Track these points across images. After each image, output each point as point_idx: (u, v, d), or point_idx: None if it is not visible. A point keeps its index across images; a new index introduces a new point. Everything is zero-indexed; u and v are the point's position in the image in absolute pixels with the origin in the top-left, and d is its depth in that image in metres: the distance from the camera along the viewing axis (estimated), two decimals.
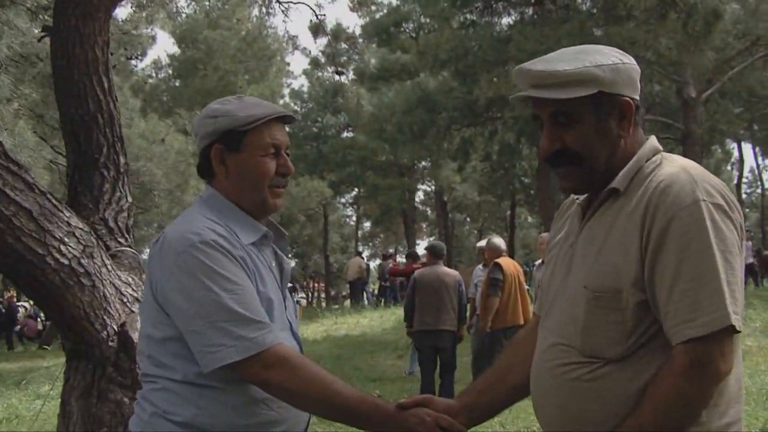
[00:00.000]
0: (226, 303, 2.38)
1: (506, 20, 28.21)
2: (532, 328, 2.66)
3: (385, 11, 35.67)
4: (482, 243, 11.86)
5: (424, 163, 47.25)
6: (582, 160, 2.31)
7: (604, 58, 2.29)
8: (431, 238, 72.18)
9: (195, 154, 29.77)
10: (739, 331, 2.10)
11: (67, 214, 4.23)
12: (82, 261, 4.15)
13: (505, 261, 10.44)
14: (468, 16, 27.20)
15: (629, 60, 2.35)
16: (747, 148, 55.76)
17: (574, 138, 2.30)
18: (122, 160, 4.99)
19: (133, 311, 4.38)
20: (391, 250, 48.19)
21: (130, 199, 5.01)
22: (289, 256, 2.94)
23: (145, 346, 2.57)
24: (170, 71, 42.59)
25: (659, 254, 2.11)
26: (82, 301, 4.15)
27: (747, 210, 61.52)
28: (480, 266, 11.96)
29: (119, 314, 4.33)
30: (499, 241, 11.01)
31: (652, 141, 2.39)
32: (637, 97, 2.36)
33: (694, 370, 2.07)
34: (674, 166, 2.25)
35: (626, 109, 2.30)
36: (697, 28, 16.62)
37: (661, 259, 2.11)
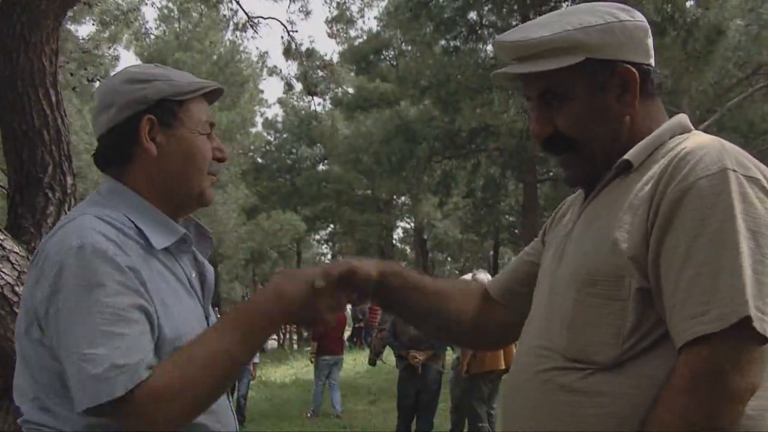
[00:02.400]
0: (86, 330, 1.87)
1: (491, 47, 28.41)
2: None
3: (364, 38, 35.77)
4: (467, 277, 11.69)
5: (403, 198, 47.31)
6: (577, 145, 2.00)
7: (593, 18, 1.97)
8: None
9: None
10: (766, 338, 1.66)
11: (1, 237, 4.06)
12: (17, 289, 3.96)
13: None
14: (451, 42, 27.36)
15: (631, 17, 2.01)
16: None
17: (564, 120, 1.99)
18: (69, 180, 4.82)
19: None
20: None
21: None
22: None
23: (29, 387, 2.06)
24: None
25: (668, 230, 1.75)
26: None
27: None
28: None
29: None
30: (486, 277, 10.51)
31: (681, 118, 2.04)
32: (650, 62, 2.02)
33: (699, 384, 1.66)
34: (706, 137, 1.91)
35: (628, 78, 1.96)
36: (698, 47, 16.63)
37: (670, 237, 1.75)
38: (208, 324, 2.24)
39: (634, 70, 1.96)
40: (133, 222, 2.09)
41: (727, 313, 1.64)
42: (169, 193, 2.20)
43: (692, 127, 2.03)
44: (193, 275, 2.27)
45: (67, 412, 1.97)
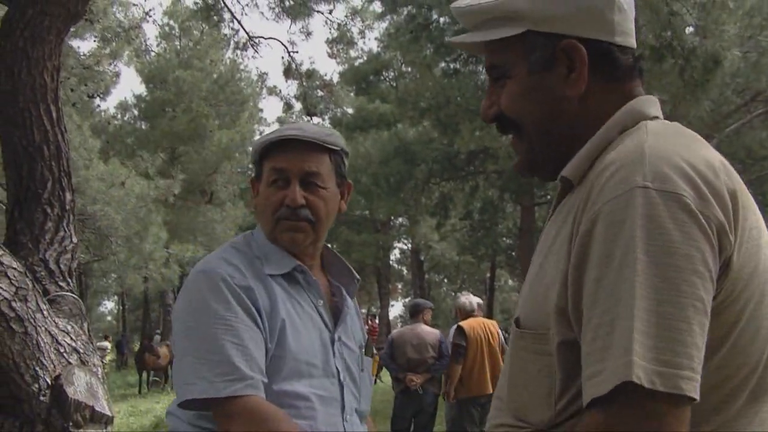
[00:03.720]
0: (205, 339, 2.24)
1: None
2: None
3: (364, 59, 35.82)
4: (459, 298, 11.67)
5: (400, 219, 47.24)
6: (520, 129, 1.77)
7: None
8: (406, 299, 72.13)
9: (156, 199, 29.86)
10: (681, 395, 1.32)
11: None
12: (14, 304, 3.94)
13: (470, 323, 10.01)
14: (451, 64, 27.38)
15: None
16: None
17: (505, 99, 1.76)
18: (68, 196, 4.81)
19: (70, 362, 4.18)
20: (363, 310, 47.93)
21: (75, 240, 4.82)
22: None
23: None
24: (136, 112, 42.49)
25: (581, 272, 1.46)
26: (12, 349, 3.93)
27: None
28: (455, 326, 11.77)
29: (54, 366, 4.12)
30: (468, 300, 10.51)
31: (634, 105, 1.70)
32: (612, 39, 1.70)
33: None
34: (635, 138, 1.58)
35: (573, 56, 1.67)
36: (696, 75, 16.65)
37: (583, 280, 1.46)
38: (334, 349, 2.49)
39: (580, 46, 1.67)
40: (262, 253, 2.48)
41: (610, 376, 1.35)
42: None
43: (648, 114, 1.71)
44: (320, 303, 2.53)
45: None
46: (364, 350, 2.74)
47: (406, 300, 72.49)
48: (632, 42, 1.75)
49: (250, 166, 2.73)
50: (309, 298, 2.51)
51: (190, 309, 2.31)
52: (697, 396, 1.33)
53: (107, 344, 36.39)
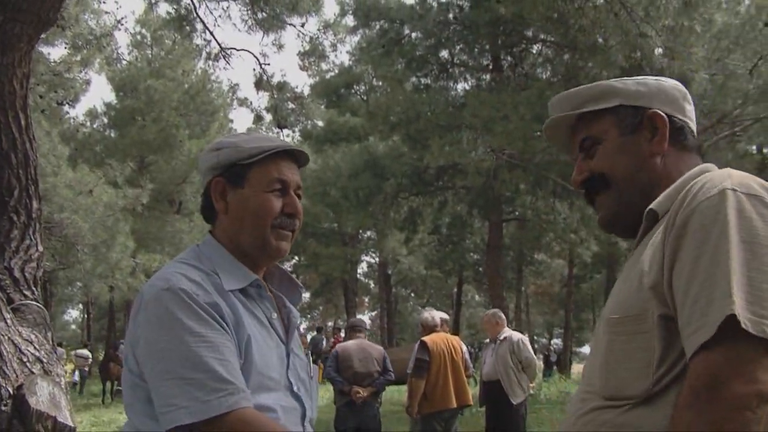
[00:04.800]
0: (186, 358, 2.20)
1: (462, 85, 28.53)
2: None
3: (336, 72, 35.83)
4: (423, 314, 11.73)
5: (369, 232, 47.24)
6: (609, 182, 2.15)
7: (630, 78, 2.21)
8: (373, 313, 72.10)
9: (124, 208, 29.66)
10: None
11: None
12: None
13: (433, 338, 10.03)
14: (422, 79, 27.46)
15: (671, 82, 2.22)
16: None
17: (598, 159, 2.17)
18: (35, 205, 4.77)
19: (33, 372, 4.13)
20: (330, 323, 47.81)
21: (41, 249, 4.77)
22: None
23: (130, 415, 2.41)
24: (106, 120, 42.22)
25: (677, 256, 1.80)
26: None
27: None
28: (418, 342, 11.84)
29: (16, 375, 4.07)
30: (431, 315, 10.56)
31: (710, 165, 2.13)
32: (682, 117, 2.19)
33: (699, 396, 1.64)
34: (718, 171, 2.01)
35: (656, 122, 2.12)
36: None
37: (678, 262, 1.79)
38: (289, 361, 2.52)
39: (663, 114, 2.13)
40: (212, 269, 2.45)
41: (715, 317, 1.64)
42: (240, 244, 2.54)
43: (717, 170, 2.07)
44: (274, 316, 2.56)
45: (147, 428, 2.29)
46: (309, 358, 2.78)
47: (373, 313, 72.48)
48: (695, 132, 2.22)
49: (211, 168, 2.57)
50: (263, 311, 2.52)
51: (161, 328, 2.25)
52: None
53: (88, 353, 36.02)
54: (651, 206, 2.00)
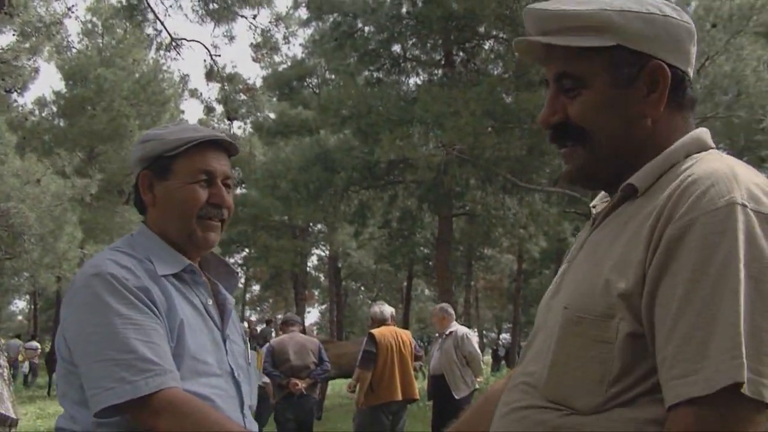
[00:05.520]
0: (114, 340, 2.19)
1: (414, 80, 28.61)
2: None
3: (288, 64, 35.73)
4: (372, 307, 11.83)
5: (319, 225, 47.20)
6: (585, 135, 1.80)
7: (635, 5, 1.77)
8: (322, 306, 72.07)
9: (72, 198, 29.38)
10: (764, 403, 1.44)
11: None
12: None
13: (381, 331, 10.12)
14: (375, 73, 27.50)
15: (680, 16, 1.80)
16: None
17: (578, 108, 1.80)
18: None
19: None
20: (280, 316, 47.74)
21: None
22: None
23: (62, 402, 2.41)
24: (55, 108, 41.74)
25: (666, 272, 1.53)
26: None
27: None
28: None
29: None
30: (380, 308, 10.66)
31: (699, 134, 1.81)
32: (686, 69, 1.81)
33: None
34: (719, 161, 1.67)
35: (658, 77, 1.75)
36: None
37: (667, 280, 1.53)
38: (225, 346, 2.53)
39: (667, 69, 1.76)
40: (145, 255, 2.45)
41: (716, 376, 1.43)
42: (168, 234, 2.54)
43: (711, 144, 1.82)
44: (210, 302, 2.56)
45: (83, 417, 2.27)
46: (247, 344, 2.79)
47: (323, 307, 72.47)
48: (692, 75, 1.86)
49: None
50: (198, 297, 2.52)
51: (90, 312, 2.25)
52: None
53: (37, 345, 35.69)
54: (630, 181, 1.75)
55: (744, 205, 1.52)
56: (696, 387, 1.44)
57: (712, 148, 1.80)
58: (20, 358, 32.58)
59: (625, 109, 1.77)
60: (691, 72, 1.84)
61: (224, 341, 2.53)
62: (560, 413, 1.67)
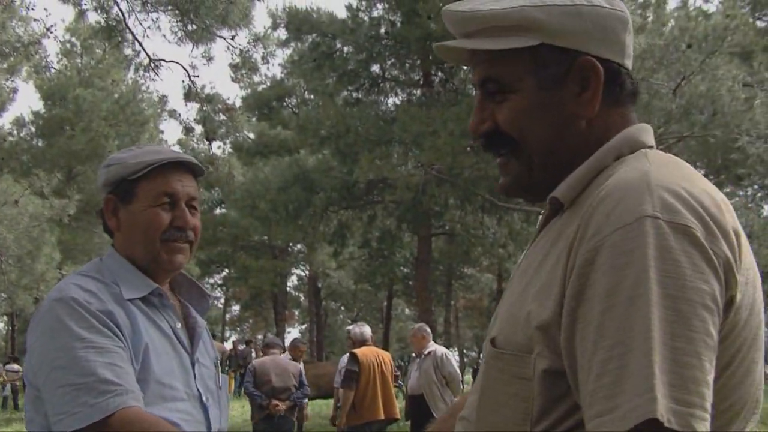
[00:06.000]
0: (74, 365, 2.17)
1: (392, 100, 28.69)
2: None
3: (267, 84, 35.77)
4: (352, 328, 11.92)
5: (298, 246, 47.10)
6: (518, 147, 1.66)
7: (562, 2, 1.61)
8: (303, 326, 71.82)
9: (50, 219, 29.24)
10: None
11: None
12: None
13: (363, 351, 10.23)
14: (354, 93, 27.57)
15: (610, 4, 1.64)
16: None
17: (505, 114, 1.65)
18: None
19: None
20: (259, 336, 47.57)
21: None
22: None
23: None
24: (33, 129, 41.59)
25: (581, 301, 1.39)
26: None
27: None
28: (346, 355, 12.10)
29: None
30: (360, 329, 10.84)
31: (634, 132, 1.65)
32: (622, 61, 1.66)
33: None
34: (637, 166, 1.51)
35: (589, 74, 1.61)
36: None
37: (582, 310, 1.38)
38: (194, 370, 2.50)
39: (598, 64, 1.61)
40: (112, 280, 2.43)
41: (631, 413, 1.27)
42: (135, 258, 2.52)
43: (645, 142, 1.65)
44: (178, 326, 2.53)
45: None
46: (219, 367, 2.76)
47: (303, 327, 72.24)
48: (630, 66, 1.71)
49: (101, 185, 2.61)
50: (167, 320, 2.50)
51: (52, 337, 2.23)
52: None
53: (18, 367, 35.46)
54: (554, 194, 1.62)
55: (655, 217, 1.36)
56: (613, 425, 1.28)
57: (648, 145, 1.65)
58: (0, 380, 32.38)
59: (556, 111, 1.62)
60: (628, 63, 1.69)
61: (193, 365, 2.51)
62: None
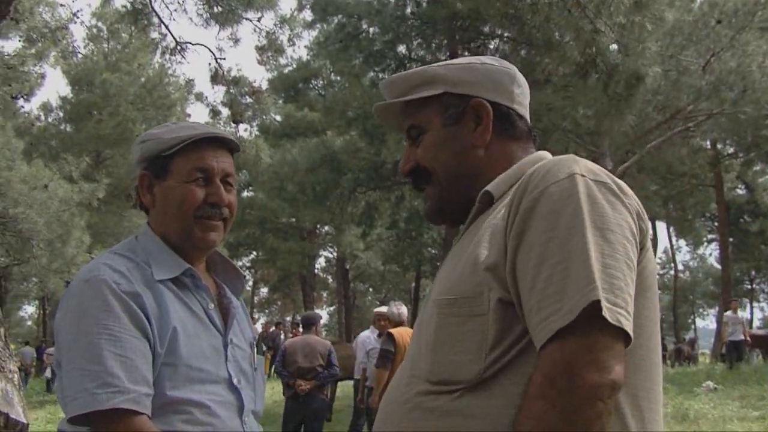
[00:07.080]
0: (87, 350, 2.17)
1: None
2: None
3: (294, 66, 35.71)
4: (381, 309, 11.98)
5: (326, 227, 47.16)
6: (432, 177, 2.09)
7: (458, 60, 2.13)
8: (331, 308, 72.04)
9: (80, 203, 29.42)
10: (627, 333, 1.60)
11: None
12: None
13: (399, 332, 10.19)
14: (380, 74, 27.43)
15: (500, 63, 2.13)
16: (661, 226, 57.02)
17: (421, 151, 2.09)
18: None
19: None
20: (288, 318, 47.69)
21: None
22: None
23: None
24: (61, 114, 41.80)
25: (523, 238, 1.72)
26: None
27: (659, 292, 62.69)
28: (368, 331, 12.69)
29: None
30: (398, 310, 10.77)
31: (542, 153, 2.08)
32: (511, 105, 2.09)
33: (553, 385, 1.57)
34: (566, 157, 1.88)
35: (480, 112, 2.04)
36: (618, 90, 16.89)
37: (524, 244, 1.71)
38: (226, 352, 2.48)
39: (486, 103, 2.05)
40: (145, 259, 2.43)
41: (575, 304, 1.58)
42: (168, 235, 2.51)
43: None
44: (211, 306, 2.52)
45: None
46: (255, 348, 2.74)
47: (331, 308, 72.43)
48: (527, 115, 2.15)
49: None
50: (199, 302, 2.48)
51: (72, 319, 2.24)
52: (631, 335, 1.62)
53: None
54: (487, 188, 1.96)
55: (583, 175, 1.75)
56: (559, 320, 1.59)
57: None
58: (33, 365, 32.75)
59: (458, 143, 2.05)
60: (520, 108, 2.12)
61: (225, 347, 2.49)
62: (450, 396, 1.75)
